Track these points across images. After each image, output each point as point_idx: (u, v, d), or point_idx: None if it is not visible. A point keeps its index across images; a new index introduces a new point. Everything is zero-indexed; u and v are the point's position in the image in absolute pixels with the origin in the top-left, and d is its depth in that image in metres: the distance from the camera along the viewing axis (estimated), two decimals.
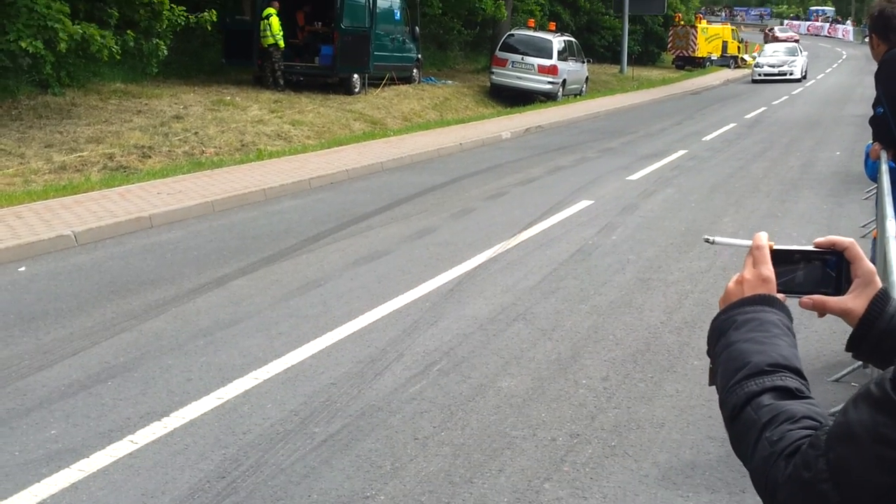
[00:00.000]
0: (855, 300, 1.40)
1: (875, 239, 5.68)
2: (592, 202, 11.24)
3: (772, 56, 40.55)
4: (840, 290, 1.42)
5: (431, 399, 5.19)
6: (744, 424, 1.24)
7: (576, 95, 29.05)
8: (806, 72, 40.54)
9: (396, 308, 6.93)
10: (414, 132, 18.93)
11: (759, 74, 39.02)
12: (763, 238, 1.43)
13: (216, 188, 11.63)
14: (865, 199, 10.75)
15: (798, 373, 1.27)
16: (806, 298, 1.43)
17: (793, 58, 40.04)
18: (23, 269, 8.22)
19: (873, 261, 5.49)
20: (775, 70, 39.04)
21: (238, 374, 5.59)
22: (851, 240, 1.43)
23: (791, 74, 38.85)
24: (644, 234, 9.50)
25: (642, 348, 6.05)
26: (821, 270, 1.43)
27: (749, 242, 1.45)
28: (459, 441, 4.64)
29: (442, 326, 6.49)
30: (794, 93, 32.05)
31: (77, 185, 11.58)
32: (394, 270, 8.05)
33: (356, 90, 21.76)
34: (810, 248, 1.45)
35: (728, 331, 1.35)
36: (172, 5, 16.26)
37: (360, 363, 5.77)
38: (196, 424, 4.87)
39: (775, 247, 1.44)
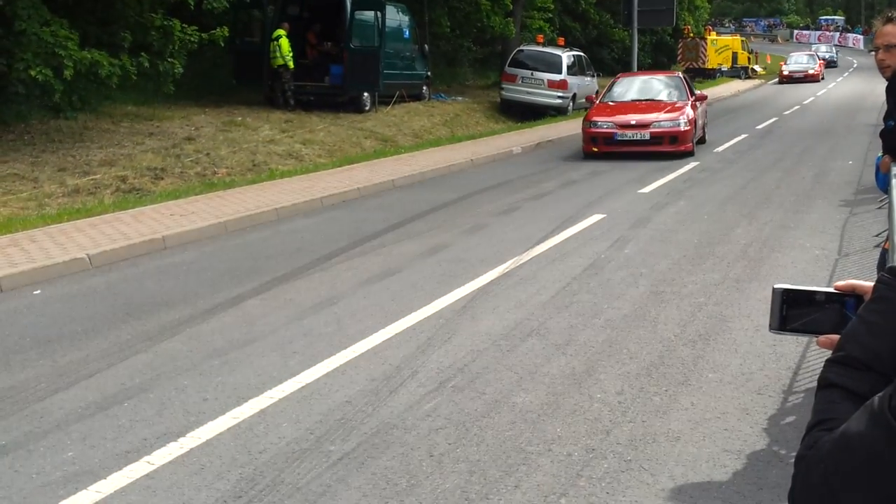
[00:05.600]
0: None
1: (886, 249, 5.67)
2: (605, 216, 11.23)
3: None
4: None
5: (446, 416, 5.18)
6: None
7: (586, 109, 29.04)
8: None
9: (410, 325, 6.93)
10: (425, 149, 18.99)
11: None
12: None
13: (229, 209, 11.68)
14: (878, 208, 10.71)
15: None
16: (823, 337, 1.45)
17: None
18: (38, 292, 8.27)
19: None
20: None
21: (253, 393, 5.60)
22: (872, 284, 1.45)
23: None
24: (657, 247, 9.49)
25: (657, 362, 6.04)
26: (839, 313, 1.45)
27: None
28: (475, 457, 4.64)
29: (456, 343, 6.50)
30: (805, 102, 31.99)
31: (90, 208, 11.65)
32: (407, 287, 8.07)
33: (366, 108, 21.85)
34: (831, 290, 1.47)
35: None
36: (184, 25, 16.38)
37: (374, 381, 5.78)
38: (212, 444, 4.89)
39: (795, 287, 1.46)
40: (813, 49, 60.98)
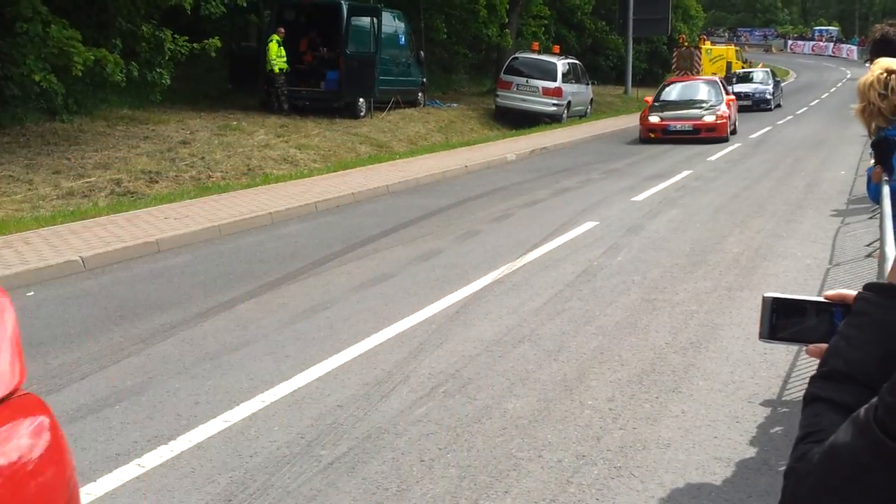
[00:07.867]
0: None
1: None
2: (598, 223, 11.26)
3: None
4: None
5: (437, 421, 5.20)
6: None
7: (580, 117, 29.15)
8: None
9: (402, 330, 6.95)
10: (419, 155, 19.02)
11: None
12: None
13: (223, 212, 11.69)
14: (870, 218, 10.75)
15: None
16: (812, 346, 1.46)
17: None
18: (31, 294, 8.27)
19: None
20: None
21: (245, 397, 5.60)
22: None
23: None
24: (649, 254, 9.52)
25: (648, 369, 6.06)
26: (828, 322, 1.46)
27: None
28: (465, 463, 4.65)
29: (448, 348, 6.51)
30: (798, 112, 32.09)
31: (85, 211, 11.65)
32: (399, 293, 8.08)
33: (362, 114, 21.88)
34: (820, 299, 1.47)
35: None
36: (175, 36, 16.38)
37: (366, 385, 5.79)
38: (203, 448, 4.89)
39: (785, 296, 1.46)
40: (737, 76, 38.15)
